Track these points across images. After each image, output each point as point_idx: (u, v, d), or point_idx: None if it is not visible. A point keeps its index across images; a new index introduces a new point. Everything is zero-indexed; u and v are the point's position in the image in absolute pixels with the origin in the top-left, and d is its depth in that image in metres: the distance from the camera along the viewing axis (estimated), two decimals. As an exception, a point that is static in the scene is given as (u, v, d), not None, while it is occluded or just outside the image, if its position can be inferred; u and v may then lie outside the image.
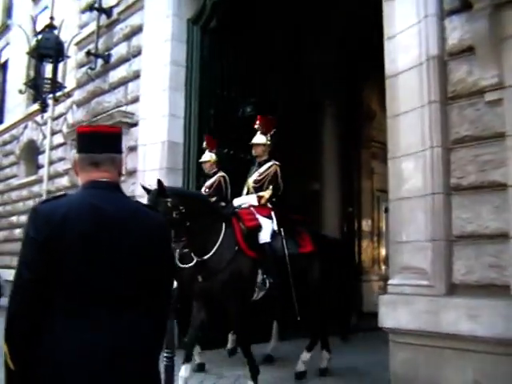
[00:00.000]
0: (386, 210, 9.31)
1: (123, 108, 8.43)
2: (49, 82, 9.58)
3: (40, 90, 9.63)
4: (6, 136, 18.14)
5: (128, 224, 1.80)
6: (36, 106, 13.28)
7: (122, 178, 6.94)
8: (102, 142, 1.89)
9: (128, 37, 8.76)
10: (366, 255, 13.04)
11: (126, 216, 1.81)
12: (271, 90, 8.61)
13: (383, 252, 13.16)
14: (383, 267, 12.92)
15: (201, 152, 7.19)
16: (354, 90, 12.00)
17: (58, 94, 9.80)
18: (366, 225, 12.98)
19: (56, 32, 9.65)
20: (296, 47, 9.30)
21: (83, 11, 10.41)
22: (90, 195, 1.83)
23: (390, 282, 5.00)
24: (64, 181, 13.07)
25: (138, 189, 7.76)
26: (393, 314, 4.68)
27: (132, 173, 7.89)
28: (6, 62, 19.28)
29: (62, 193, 2.43)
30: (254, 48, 8.28)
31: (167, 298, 1.97)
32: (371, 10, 5.84)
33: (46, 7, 16.16)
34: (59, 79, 9.74)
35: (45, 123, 14.00)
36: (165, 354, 4.21)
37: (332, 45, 10.16)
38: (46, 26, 9.82)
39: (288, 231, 5.77)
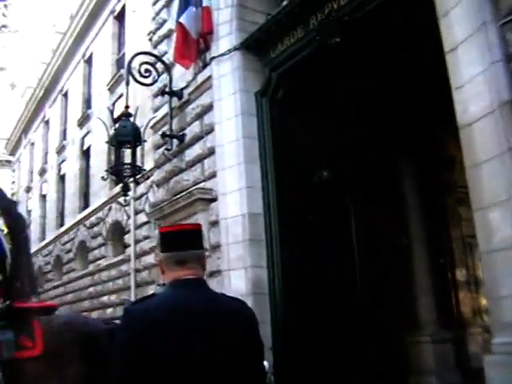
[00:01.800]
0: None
1: (201, 185, 8.81)
2: (128, 166, 10.19)
3: (121, 174, 10.24)
4: (93, 218, 19.26)
5: (219, 321, 1.87)
6: (118, 188, 14.13)
7: (207, 253, 7.19)
8: (185, 239, 1.98)
9: (200, 116, 9.27)
10: (466, 306, 12.45)
11: (216, 313, 1.88)
12: (344, 151, 8.75)
13: (484, 302, 12.53)
14: (486, 318, 12.27)
15: (282, 221, 7.36)
16: (431, 135, 11.89)
17: (138, 176, 10.39)
18: (460, 274, 12.47)
19: (132, 119, 10.34)
20: (368, 98, 9.43)
21: (156, 95, 11.14)
22: (179, 294, 1.92)
23: (494, 341, 4.78)
24: (150, 258, 13.63)
25: (222, 264, 8.02)
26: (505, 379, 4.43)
27: (216, 247, 8.15)
28: (88, 149, 20.76)
29: (150, 293, 2.52)
30: (322, 111, 8.53)
31: None
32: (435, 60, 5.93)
33: (121, 95, 17.42)
34: (138, 162, 10.33)
35: (128, 204, 14.82)
36: None
37: (404, 94, 10.22)
38: (122, 115, 10.54)
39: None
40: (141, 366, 1.77)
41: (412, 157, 11.33)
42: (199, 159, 9.12)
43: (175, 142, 9.87)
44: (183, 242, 1.99)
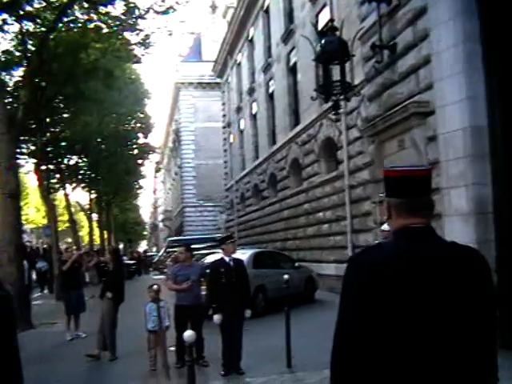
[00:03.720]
0: None
1: (417, 97, 8.63)
2: (338, 83, 10.35)
3: (330, 93, 10.46)
4: (304, 136, 20.05)
5: (453, 272, 1.80)
6: (329, 104, 14.42)
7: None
8: (417, 184, 1.91)
9: (412, 21, 8.91)
10: None
11: (450, 264, 1.82)
12: None
13: None
14: None
15: (509, 134, 6.93)
16: None
17: (349, 93, 10.51)
18: None
19: (337, 33, 10.35)
20: None
21: (362, 3, 10.93)
22: (411, 244, 1.85)
23: None
24: (364, 174, 13.91)
25: (441, 181, 7.91)
26: None
27: (434, 164, 8.03)
28: (294, 65, 21.31)
29: (376, 242, 2.58)
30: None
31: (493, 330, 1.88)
32: None
33: (324, 5, 17.38)
34: (347, 76, 10.42)
35: (339, 120, 15.12)
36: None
37: None
38: (328, 30, 10.61)
39: None
40: (371, 322, 1.74)
41: None
42: (413, 70, 8.87)
43: (386, 52, 9.69)
44: (415, 187, 1.92)
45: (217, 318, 7.48)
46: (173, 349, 8.20)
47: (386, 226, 8.88)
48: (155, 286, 8.12)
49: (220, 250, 8.66)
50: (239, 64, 32.48)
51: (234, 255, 8.02)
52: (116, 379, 7.96)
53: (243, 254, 12.23)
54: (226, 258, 7.83)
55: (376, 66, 10.02)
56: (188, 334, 4.25)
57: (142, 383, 7.56)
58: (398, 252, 1.85)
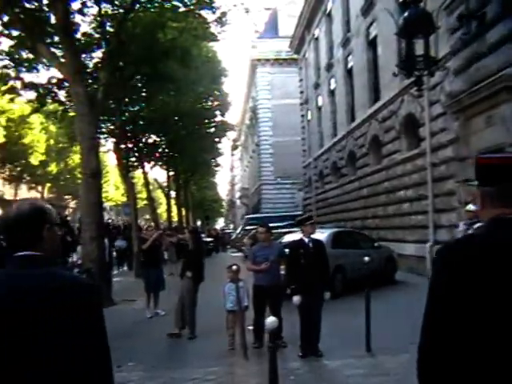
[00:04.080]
0: None
1: (508, 70, 8.20)
2: (421, 58, 9.98)
3: (413, 67, 10.11)
4: (385, 112, 19.58)
5: None
6: (411, 79, 13.97)
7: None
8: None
9: (502, -11, 8.45)
10: None
11: None
12: None
13: None
14: None
15: None
16: None
17: (433, 68, 10.12)
18: None
19: (421, 4, 9.95)
20: None
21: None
22: (506, 236, 1.76)
23: None
24: (448, 152, 13.45)
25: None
26: None
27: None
28: (374, 39, 20.75)
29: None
30: None
31: None
32: None
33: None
34: (431, 49, 10.02)
35: (421, 95, 14.61)
36: None
37: None
38: (411, 1, 10.21)
39: None
40: (465, 324, 1.66)
41: None
42: (504, 41, 8.43)
43: (474, 23, 9.24)
44: (509, 175, 1.83)
45: (296, 299, 7.51)
46: (251, 328, 8.32)
47: (471, 206, 8.60)
48: (234, 267, 8.23)
49: (298, 229, 8.65)
50: (317, 39, 32.02)
51: (313, 235, 7.99)
52: (194, 357, 8.14)
53: (322, 234, 12.17)
54: (306, 239, 7.81)
55: (463, 38, 9.61)
56: (270, 320, 4.28)
57: (220, 362, 7.71)
58: (489, 243, 1.77)
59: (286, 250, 8.45)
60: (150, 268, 11.82)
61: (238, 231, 41.68)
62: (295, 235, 12.80)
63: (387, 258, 15.56)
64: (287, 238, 13.60)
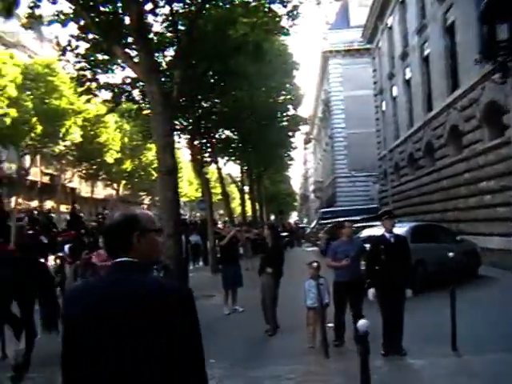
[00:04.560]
0: None
1: None
2: (505, 43, 9.57)
3: (496, 53, 9.73)
4: (465, 100, 18.93)
5: None
6: (492, 65, 13.40)
7: None
8: None
9: None
10: None
11: None
12: None
13: None
14: None
15: None
16: None
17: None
18: None
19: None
20: None
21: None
22: None
23: None
24: (535, 141, 12.83)
25: None
26: None
27: None
28: (452, 25, 20.05)
29: None
30: None
31: None
32: None
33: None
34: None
35: (505, 82, 13.99)
36: None
37: None
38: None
39: None
40: None
41: None
42: None
43: None
44: None
45: (371, 292, 7.41)
46: (331, 325, 8.27)
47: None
48: (315, 264, 8.20)
49: (375, 223, 8.53)
50: (390, 28, 31.32)
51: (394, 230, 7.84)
52: (274, 355, 8.14)
53: (401, 228, 11.92)
54: (387, 235, 7.66)
55: None
56: (362, 322, 4.25)
57: (300, 360, 7.69)
58: None
59: (367, 246, 8.34)
60: (228, 264, 11.96)
61: (312, 225, 41.52)
62: (373, 230, 12.65)
63: (470, 252, 15.02)
64: (365, 233, 13.42)
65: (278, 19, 18.56)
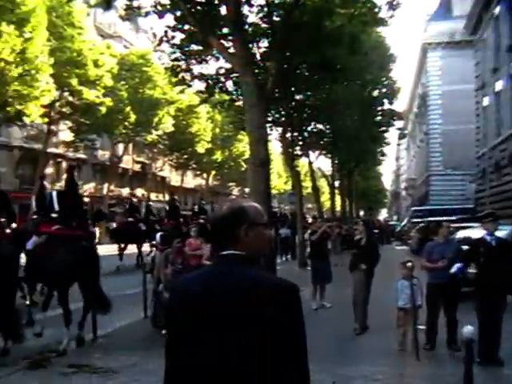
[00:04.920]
0: None
1: None
2: None
3: None
4: None
5: None
6: None
7: None
8: None
9: None
10: None
11: None
12: None
13: None
14: None
15: None
16: None
17: None
18: None
19: None
20: None
21: None
22: None
23: None
24: None
25: None
26: None
27: None
28: None
29: None
30: None
31: None
32: None
33: None
34: None
35: None
36: None
37: None
38: None
39: None
40: None
41: None
42: None
43: None
44: None
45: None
46: (422, 328, 7.98)
47: None
48: (409, 264, 7.94)
49: (473, 224, 8.14)
50: (497, 18, 29.75)
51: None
52: (362, 354, 7.98)
53: (501, 231, 11.29)
54: (488, 237, 7.26)
55: None
56: (467, 329, 4.03)
57: (389, 361, 7.45)
58: None
59: (464, 247, 7.98)
60: (318, 260, 11.87)
61: (403, 223, 40.49)
62: (471, 231, 12.10)
63: None
64: (461, 234, 12.86)
65: (376, 10, 18.11)
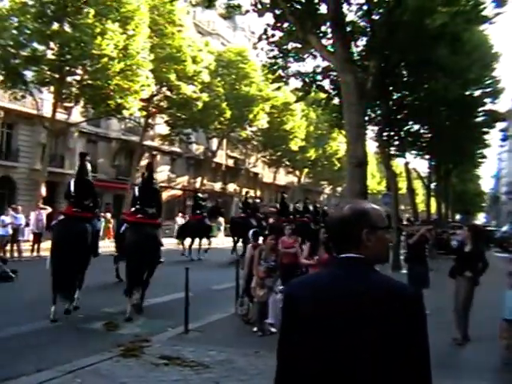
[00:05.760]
0: None
1: None
2: None
3: None
4: None
5: None
6: None
7: None
8: None
9: None
10: None
11: None
12: None
13: None
14: None
15: None
16: None
17: None
18: None
19: None
20: None
21: None
22: None
23: None
24: None
25: None
26: None
27: None
28: None
29: None
30: None
31: None
32: None
33: None
34: None
35: None
36: None
37: None
38: None
39: None
40: None
41: None
42: None
43: None
44: None
45: None
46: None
47: None
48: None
49: None
50: None
51: None
52: (464, 365, 7.69)
53: None
54: None
55: None
56: None
57: (493, 376, 7.17)
58: None
59: None
60: (415, 264, 11.57)
61: (503, 229, 38.74)
62: None
63: None
64: None
65: (481, 7, 17.46)
